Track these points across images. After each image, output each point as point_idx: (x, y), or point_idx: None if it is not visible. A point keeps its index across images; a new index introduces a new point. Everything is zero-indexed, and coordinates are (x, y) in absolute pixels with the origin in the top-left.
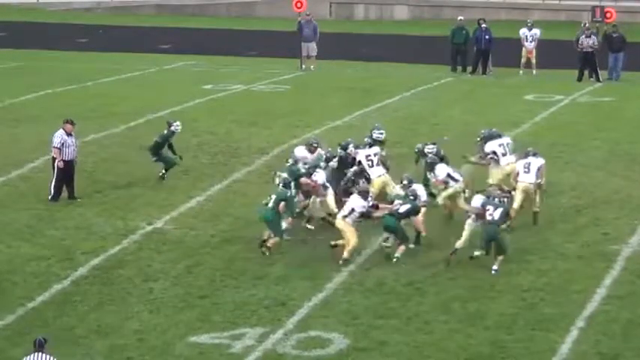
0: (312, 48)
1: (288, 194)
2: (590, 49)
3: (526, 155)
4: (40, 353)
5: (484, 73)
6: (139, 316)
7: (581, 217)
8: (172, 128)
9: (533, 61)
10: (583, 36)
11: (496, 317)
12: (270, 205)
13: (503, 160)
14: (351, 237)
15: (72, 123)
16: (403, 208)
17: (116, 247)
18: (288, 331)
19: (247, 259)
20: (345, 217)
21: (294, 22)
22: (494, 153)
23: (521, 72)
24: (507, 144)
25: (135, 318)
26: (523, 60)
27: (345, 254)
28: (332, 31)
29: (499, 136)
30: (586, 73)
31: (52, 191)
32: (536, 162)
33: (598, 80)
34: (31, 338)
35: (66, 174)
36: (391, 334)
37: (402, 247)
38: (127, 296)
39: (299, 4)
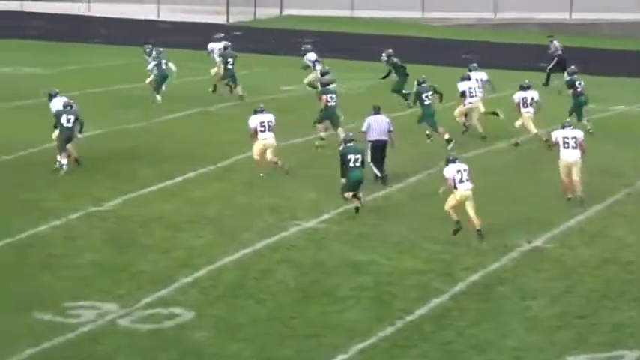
0: None
1: None
2: None
3: None
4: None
5: None
6: (516, 333)
7: None
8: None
9: None
10: None
11: None
12: None
13: None
14: None
15: None
16: None
17: (494, 263)
18: None
19: (626, 281)
20: None
21: None
22: None
23: None
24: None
25: (512, 335)
26: None
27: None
28: None
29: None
30: None
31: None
32: None
33: None
34: (409, 352)
35: None
36: None
37: None
38: (503, 313)
39: None
